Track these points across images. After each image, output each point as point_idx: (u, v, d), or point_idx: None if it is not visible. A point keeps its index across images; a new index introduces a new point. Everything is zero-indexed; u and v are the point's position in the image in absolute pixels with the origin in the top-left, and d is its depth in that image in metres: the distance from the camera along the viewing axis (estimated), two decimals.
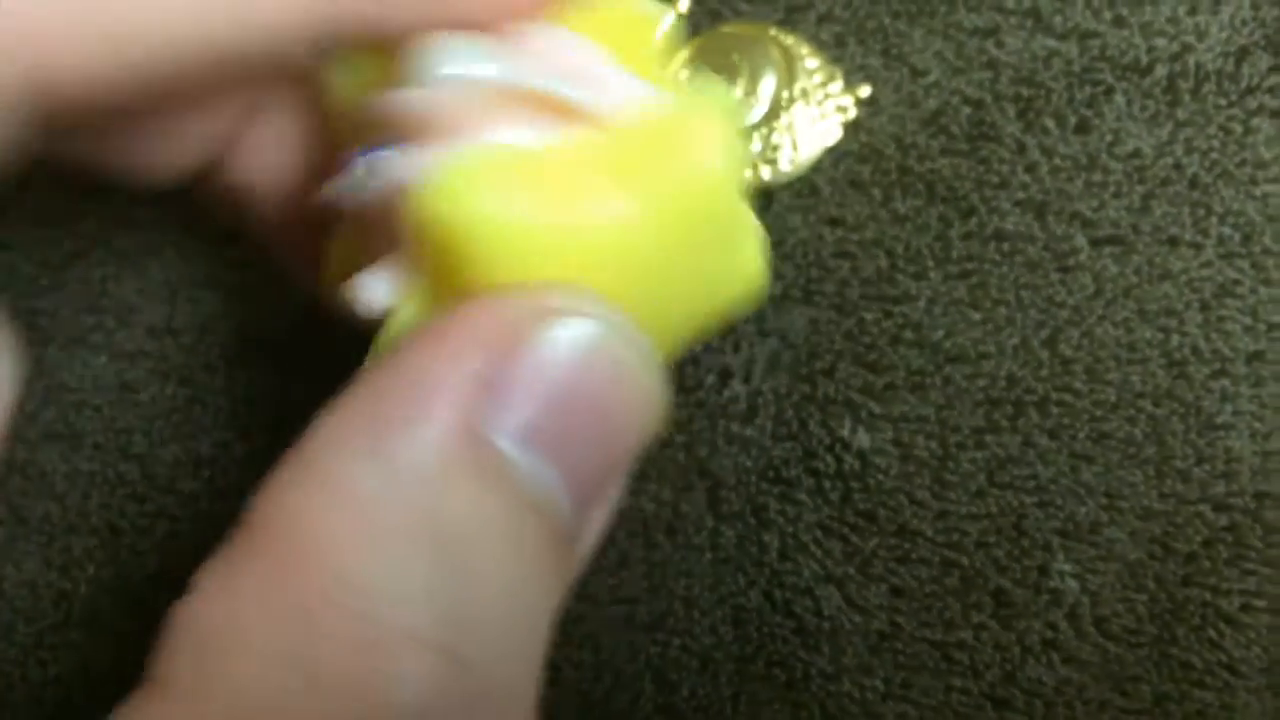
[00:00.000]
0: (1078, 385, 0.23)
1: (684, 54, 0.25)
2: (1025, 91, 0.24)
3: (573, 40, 0.18)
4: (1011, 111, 0.24)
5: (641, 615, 0.23)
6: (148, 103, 0.18)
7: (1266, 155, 0.24)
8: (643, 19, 0.18)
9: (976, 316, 0.24)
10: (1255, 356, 0.23)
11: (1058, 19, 0.25)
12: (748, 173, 0.24)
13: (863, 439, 0.23)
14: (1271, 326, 0.23)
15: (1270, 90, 0.24)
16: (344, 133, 0.18)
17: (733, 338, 0.24)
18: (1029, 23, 0.25)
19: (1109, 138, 0.24)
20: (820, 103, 0.25)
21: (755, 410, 0.23)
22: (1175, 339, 0.23)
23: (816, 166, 0.24)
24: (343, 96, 0.18)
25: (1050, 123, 0.24)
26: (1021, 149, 0.24)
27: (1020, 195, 0.24)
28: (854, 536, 0.23)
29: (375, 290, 0.17)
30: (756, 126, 0.25)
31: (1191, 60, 0.24)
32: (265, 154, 0.20)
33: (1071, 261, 0.24)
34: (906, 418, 0.23)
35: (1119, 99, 0.24)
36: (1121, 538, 0.23)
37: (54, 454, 0.24)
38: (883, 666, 0.22)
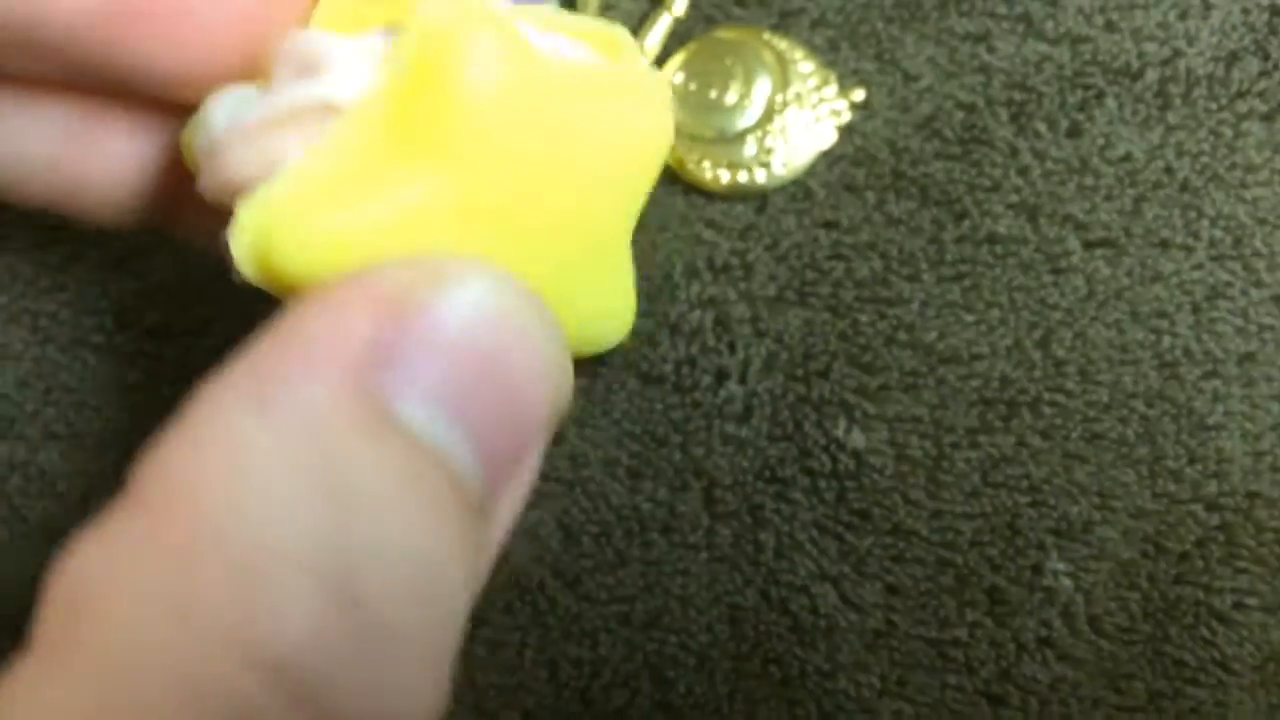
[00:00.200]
0: (1070, 386, 0.23)
1: (678, 59, 0.25)
2: (1017, 96, 0.25)
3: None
4: (1004, 116, 0.25)
5: (638, 614, 0.23)
6: None
7: (1257, 159, 0.24)
8: None
9: (970, 318, 0.24)
10: (1246, 358, 0.23)
11: (1049, 24, 0.25)
12: (740, 177, 0.25)
13: (857, 439, 0.23)
14: (1263, 328, 0.23)
15: (1260, 94, 0.24)
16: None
17: (728, 339, 0.24)
18: (1021, 28, 0.25)
19: (1100, 141, 0.24)
20: (814, 106, 0.25)
21: (751, 411, 0.24)
22: (1167, 340, 0.23)
23: (811, 170, 0.25)
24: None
25: (1042, 127, 0.24)
26: (1014, 153, 0.24)
27: (1013, 198, 0.24)
28: (849, 535, 0.23)
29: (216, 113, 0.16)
30: (751, 130, 0.25)
31: (1182, 65, 0.25)
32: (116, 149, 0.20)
33: (1064, 264, 0.24)
34: (901, 418, 0.23)
35: (1110, 103, 0.24)
36: (1114, 537, 0.23)
37: (54, 454, 0.24)
38: (879, 664, 0.22)
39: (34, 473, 0.24)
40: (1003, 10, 0.25)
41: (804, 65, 0.25)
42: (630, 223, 0.17)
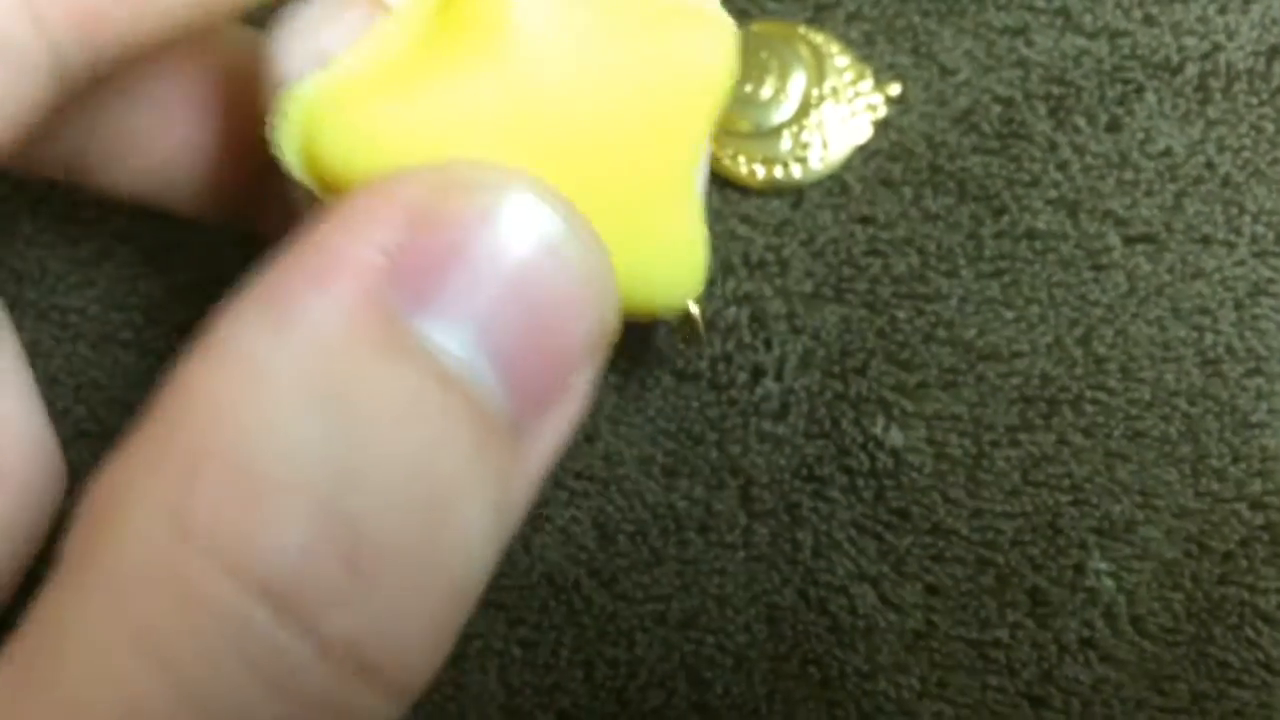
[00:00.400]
0: (1112, 383, 0.23)
1: None
2: (1056, 90, 0.24)
3: None
4: (1042, 110, 0.24)
5: (675, 613, 0.23)
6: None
7: None
8: None
9: (1009, 315, 0.23)
10: None
11: (1088, 18, 0.25)
12: (776, 172, 0.24)
13: (896, 437, 0.23)
14: None
15: None
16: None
17: (764, 335, 0.24)
18: (1059, 21, 0.25)
19: (1140, 136, 0.24)
20: (850, 101, 0.25)
21: (788, 408, 0.23)
22: (1209, 337, 0.23)
23: (847, 165, 0.24)
24: None
25: (1081, 121, 0.24)
26: (1053, 147, 0.24)
27: (1052, 194, 0.24)
28: (888, 535, 0.23)
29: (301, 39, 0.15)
30: (787, 124, 0.24)
31: (1222, 59, 0.24)
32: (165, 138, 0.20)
33: (1104, 260, 0.24)
34: (940, 416, 0.23)
35: (1150, 97, 0.24)
36: (1157, 536, 0.22)
37: (85, 451, 0.23)
38: (918, 665, 0.22)
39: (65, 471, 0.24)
40: (1041, 4, 0.25)
41: (840, 59, 0.25)
42: (692, 166, 0.16)
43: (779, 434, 0.23)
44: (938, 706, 0.22)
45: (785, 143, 0.24)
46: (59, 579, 0.13)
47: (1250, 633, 0.22)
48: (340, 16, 0.15)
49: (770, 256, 0.24)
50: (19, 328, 0.24)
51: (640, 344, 0.24)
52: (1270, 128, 0.24)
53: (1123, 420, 0.23)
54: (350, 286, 0.13)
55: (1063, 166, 0.24)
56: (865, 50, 0.25)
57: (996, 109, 0.24)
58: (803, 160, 0.24)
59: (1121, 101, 0.24)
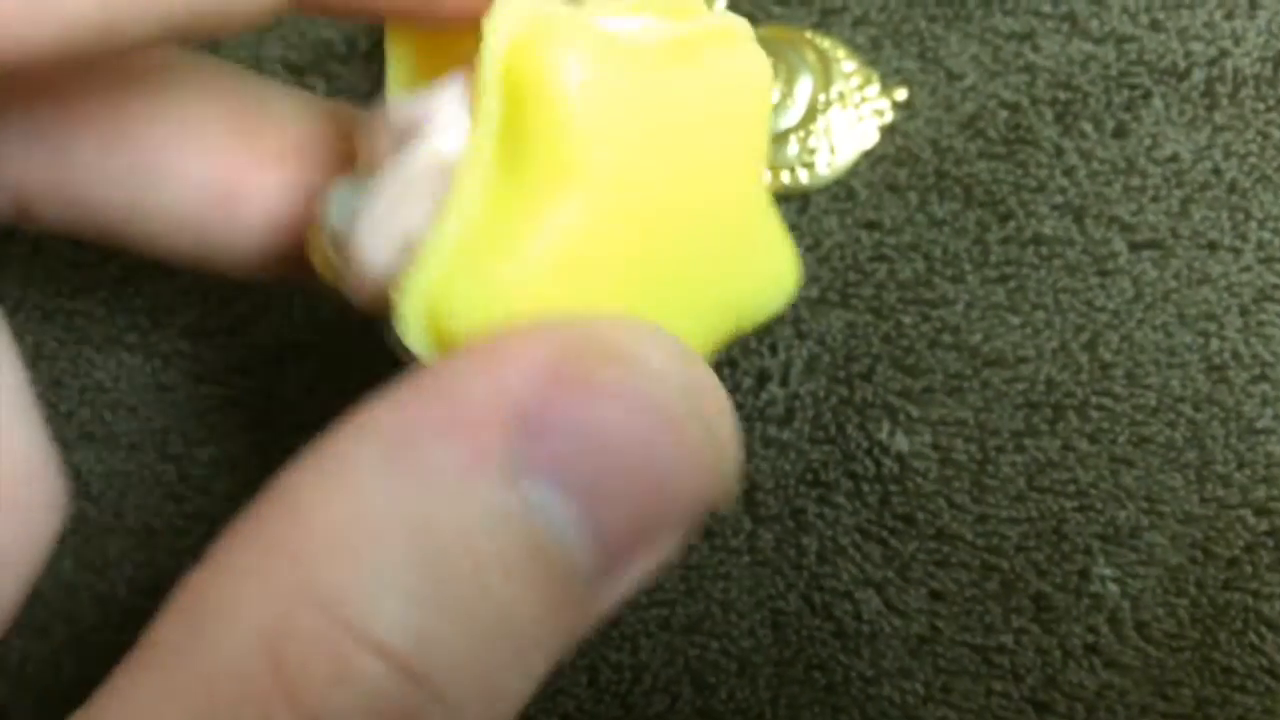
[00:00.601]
0: (1117, 389, 0.23)
1: None
2: (1062, 95, 0.24)
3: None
4: (1049, 115, 0.24)
5: (679, 618, 0.23)
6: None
7: None
8: None
9: (1015, 320, 0.23)
10: None
11: (1094, 23, 0.25)
12: (783, 177, 0.24)
13: (901, 442, 0.23)
14: None
15: None
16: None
17: (769, 340, 0.24)
18: (1065, 27, 0.25)
19: (1147, 142, 0.24)
20: (857, 106, 0.25)
21: (793, 413, 0.23)
22: (1215, 343, 0.23)
23: (853, 170, 0.24)
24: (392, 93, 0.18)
25: (1088, 126, 0.24)
26: (1059, 153, 0.24)
27: (1058, 199, 0.24)
28: (893, 540, 0.23)
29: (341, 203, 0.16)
30: (793, 130, 0.24)
31: (1229, 65, 0.24)
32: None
33: (1110, 266, 0.24)
34: (945, 421, 0.23)
35: (1157, 103, 0.24)
36: (1162, 542, 0.22)
37: (90, 454, 0.23)
38: (923, 670, 0.22)
39: (69, 473, 0.24)
40: (1047, 9, 0.25)
41: (846, 64, 0.25)
42: (762, 173, 0.17)
43: (784, 439, 0.23)
44: (942, 712, 0.22)
45: (792, 148, 0.24)
46: (144, 659, 0.13)
47: (1255, 638, 0.22)
48: (406, 196, 0.16)
49: None
50: (23, 330, 0.24)
51: None
52: (1277, 134, 0.24)
53: (1128, 426, 0.23)
54: (474, 440, 0.13)
55: (1069, 172, 0.24)
56: (871, 55, 0.25)
57: (1003, 114, 0.24)
58: (809, 166, 0.24)
59: (1128, 107, 0.24)
